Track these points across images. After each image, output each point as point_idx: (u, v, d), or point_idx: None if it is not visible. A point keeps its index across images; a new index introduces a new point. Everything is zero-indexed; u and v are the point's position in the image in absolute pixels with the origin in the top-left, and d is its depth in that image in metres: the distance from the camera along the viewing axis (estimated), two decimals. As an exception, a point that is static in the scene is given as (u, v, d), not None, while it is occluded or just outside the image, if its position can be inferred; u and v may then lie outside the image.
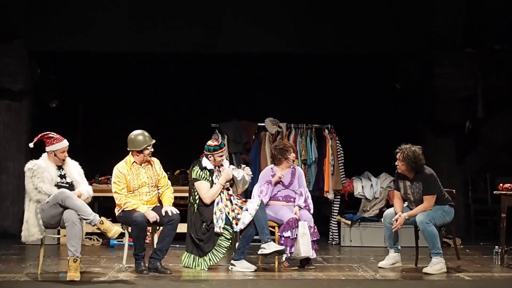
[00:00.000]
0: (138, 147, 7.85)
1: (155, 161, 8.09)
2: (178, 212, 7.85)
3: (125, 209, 7.72)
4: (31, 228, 7.46)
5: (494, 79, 11.83)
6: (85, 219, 7.33)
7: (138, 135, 7.89)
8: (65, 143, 7.69)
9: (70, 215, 7.25)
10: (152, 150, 7.94)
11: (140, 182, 7.85)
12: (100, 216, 7.36)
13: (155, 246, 7.89)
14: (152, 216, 7.66)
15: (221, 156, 8.21)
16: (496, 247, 8.76)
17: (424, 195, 8.05)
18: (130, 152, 7.95)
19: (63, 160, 7.68)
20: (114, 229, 7.33)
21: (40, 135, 7.70)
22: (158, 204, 7.95)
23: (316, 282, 7.40)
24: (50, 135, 7.67)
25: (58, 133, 7.78)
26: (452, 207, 8.22)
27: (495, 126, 12.20)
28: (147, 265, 7.76)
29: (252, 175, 8.45)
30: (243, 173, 8.28)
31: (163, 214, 7.73)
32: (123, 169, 7.85)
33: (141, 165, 7.92)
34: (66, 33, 11.43)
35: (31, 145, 7.74)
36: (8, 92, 11.43)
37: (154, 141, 7.93)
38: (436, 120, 11.95)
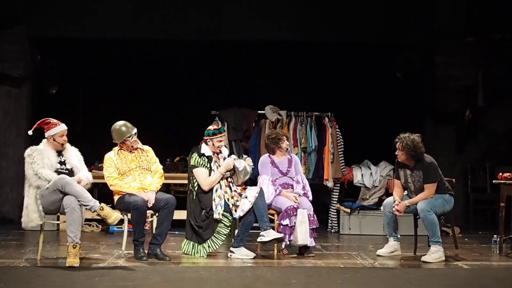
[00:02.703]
0: (117, 140, 7.92)
1: (147, 149, 8.09)
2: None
3: (119, 193, 7.77)
4: (31, 214, 7.46)
5: (495, 68, 11.80)
6: (85, 205, 7.34)
7: (120, 126, 7.91)
8: (63, 127, 7.68)
9: (70, 201, 7.26)
10: (135, 139, 7.91)
11: (129, 166, 7.87)
12: (100, 202, 7.37)
13: (154, 232, 7.91)
14: (149, 198, 7.68)
15: (220, 141, 8.19)
16: (495, 236, 8.77)
17: (424, 183, 8.06)
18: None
19: (63, 145, 7.68)
20: (114, 215, 7.33)
21: (38, 121, 7.70)
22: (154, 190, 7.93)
23: (314, 269, 7.41)
24: (47, 120, 7.67)
25: (58, 119, 7.77)
26: (452, 196, 8.23)
27: (495, 115, 12.18)
28: (146, 251, 7.77)
29: (253, 166, 8.40)
30: (245, 163, 8.21)
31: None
32: (110, 155, 7.95)
33: (130, 152, 7.95)
34: (66, 19, 11.42)
35: (30, 132, 7.74)
36: (8, 78, 11.42)
37: (135, 129, 7.88)
38: (436, 109, 11.94)
